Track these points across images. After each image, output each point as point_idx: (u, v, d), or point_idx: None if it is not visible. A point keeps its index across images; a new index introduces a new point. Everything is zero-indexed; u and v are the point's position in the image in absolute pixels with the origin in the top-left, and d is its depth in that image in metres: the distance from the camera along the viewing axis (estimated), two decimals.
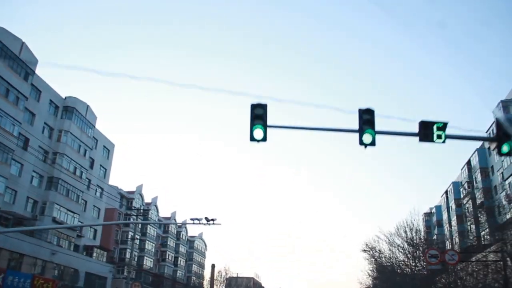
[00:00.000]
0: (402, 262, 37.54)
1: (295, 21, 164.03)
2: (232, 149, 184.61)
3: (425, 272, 37.28)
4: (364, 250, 39.31)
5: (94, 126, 53.44)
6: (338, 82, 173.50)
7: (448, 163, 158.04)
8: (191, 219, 21.20)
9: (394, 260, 38.19)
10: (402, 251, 37.58)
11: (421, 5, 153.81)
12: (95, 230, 54.52)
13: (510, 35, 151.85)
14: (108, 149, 58.36)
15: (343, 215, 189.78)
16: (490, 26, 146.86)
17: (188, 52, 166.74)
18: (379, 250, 38.37)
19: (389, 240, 37.84)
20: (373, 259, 39.99)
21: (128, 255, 66.33)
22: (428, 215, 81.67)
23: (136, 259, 68.88)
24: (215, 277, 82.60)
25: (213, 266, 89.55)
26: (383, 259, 38.92)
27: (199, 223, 21.04)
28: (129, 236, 66.99)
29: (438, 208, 76.28)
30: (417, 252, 36.63)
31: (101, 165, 56.24)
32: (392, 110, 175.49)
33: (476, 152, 56.36)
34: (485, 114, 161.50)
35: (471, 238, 55.36)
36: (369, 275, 45.95)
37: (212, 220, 20.84)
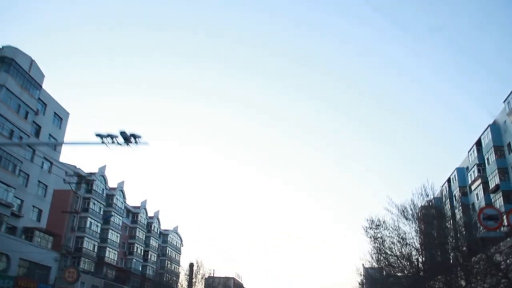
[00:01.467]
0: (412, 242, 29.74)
1: (302, 33, 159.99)
2: (222, 154, 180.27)
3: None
4: (368, 229, 30.87)
5: (41, 87, 44.68)
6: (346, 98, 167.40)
7: (445, 156, 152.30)
8: (97, 135, 12.83)
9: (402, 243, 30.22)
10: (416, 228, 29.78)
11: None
12: (40, 211, 45.52)
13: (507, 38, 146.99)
14: (60, 118, 49.44)
15: (340, 215, 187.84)
16: (486, 30, 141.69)
17: (186, 58, 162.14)
18: (391, 227, 30.15)
19: (402, 213, 29.85)
20: (377, 241, 31.58)
21: (86, 245, 57.63)
22: (426, 208, 74.31)
23: (96, 250, 60.03)
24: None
25: (191, 265, 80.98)
26: (389, 242, 30.78)
27: (113, 143, 12.73)
28: (88, 224, 58.42)
29: (438, 199, 68.68)
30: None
31: (50, 135, 47.26)
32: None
33: (488, 129, 48.89)
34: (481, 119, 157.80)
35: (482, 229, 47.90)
36: (371, 262, 37.55)
37: (134, 137, 12.60)
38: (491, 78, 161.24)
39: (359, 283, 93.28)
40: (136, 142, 12.93)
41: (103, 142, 13.03)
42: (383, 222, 30.59)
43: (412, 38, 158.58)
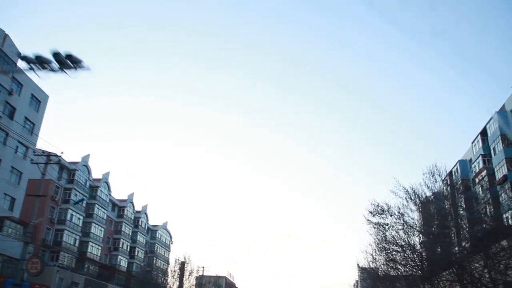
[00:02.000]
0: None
1: (299, 35, 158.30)
2: (222, 154, 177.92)
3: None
4: (372, 215, 27.44)
5: (16, 64, 41.16)
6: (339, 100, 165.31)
7: (444, 158, 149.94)
8: (23, 58, 9.53)
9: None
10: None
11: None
12: (13, 199, 41.97)
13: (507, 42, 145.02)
14: (38, 100, 46.01)
15: (340, 215, 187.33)
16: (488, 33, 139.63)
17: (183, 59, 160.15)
18: (399, 213, 26.97)
19: (409, 196, 26.92)
20: (382, 229, 28.22)
21: (66, 238, 54.16)
22: (425, 204, 71.33)
23: (77, 244, 56.51)
24: (176, 273, 70.24)
25: (182, 263, 77.86)
26: (392, 231, 27.57)
27: (44, 69, 9.51)
28: (69, 216, 54.94)
29: (439, 194, 65.71)
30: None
31: (26, 118, 43.89)
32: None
33: (495, 116, 45.90)
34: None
35: (489, 222, 44.93)
36: (372, 254, 34.19)
37: (72, 61, 9.39)
38: (491, 82, 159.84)
39: (355, 283, 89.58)
40: (75, 68, 9.76)
41: (31, 68, 9.85)
42: (388, 208, 27.45)
43: (409, 40, 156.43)
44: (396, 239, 28.15)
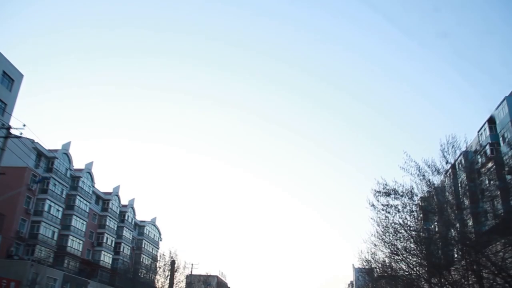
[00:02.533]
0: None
1: (293, 34, 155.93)
2: (209, 155, 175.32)
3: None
4: (380, 195, 23.99)
5: None
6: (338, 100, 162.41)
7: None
8: None
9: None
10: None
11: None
12: None
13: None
14: (11, 79, 42.39)
15: (339, 215, 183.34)
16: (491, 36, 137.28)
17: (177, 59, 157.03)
18: (411, 192, 23.69)
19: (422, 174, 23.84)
20: (391, 211, 24.73)
21: (43, 231, 50.45)
22: (426, 199, 68.18)
23: (56, 238, 52.80)
24: (161, 269, 66.76)
25: (173, 262, 74.42)
26: (399, 217, 24.19)
27: None
28: (46, 207, 51.24)
29: (438, 190, 62.50)
30: None
31: None
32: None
33: (504, 102, 42.78)
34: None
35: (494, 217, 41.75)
36: (376, 246, 30.55)
37: None
38: (492, 84, 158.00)
39: (349, 283, 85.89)
40: None
41: None
42: (395, 190, 24.12)
43: (411, 41, 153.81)
44: (404, 225, 24.89)
